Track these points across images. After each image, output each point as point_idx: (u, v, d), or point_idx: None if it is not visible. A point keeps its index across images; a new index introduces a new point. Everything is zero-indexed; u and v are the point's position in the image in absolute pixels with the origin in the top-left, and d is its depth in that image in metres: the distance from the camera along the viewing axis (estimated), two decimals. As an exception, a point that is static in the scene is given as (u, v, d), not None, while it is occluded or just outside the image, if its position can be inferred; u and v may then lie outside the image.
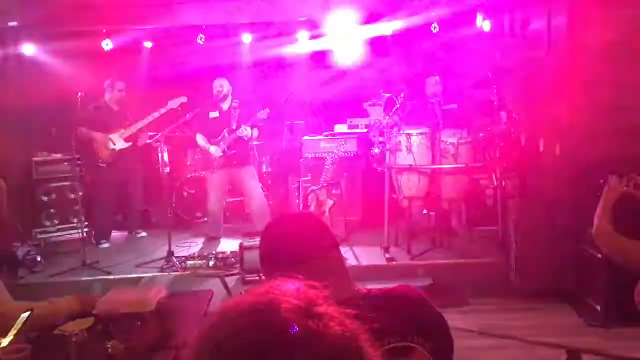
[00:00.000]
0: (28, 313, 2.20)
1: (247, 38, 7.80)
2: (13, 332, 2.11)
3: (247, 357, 0.66)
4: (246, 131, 6.23)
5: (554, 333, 4.39)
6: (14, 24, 5.98)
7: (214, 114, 6.39)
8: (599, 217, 2.65)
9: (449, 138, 5.62)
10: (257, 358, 0.65)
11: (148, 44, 7.90)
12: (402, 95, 5.79)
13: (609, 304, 4.32)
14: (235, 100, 6.44)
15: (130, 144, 6.45)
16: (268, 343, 0.66)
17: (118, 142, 6.38)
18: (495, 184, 5.89)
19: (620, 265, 2.57)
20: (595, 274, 4.53)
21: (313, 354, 0.66)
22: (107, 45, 7.58)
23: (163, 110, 6.33)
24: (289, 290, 0.76)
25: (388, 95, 6.36)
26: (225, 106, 6.41)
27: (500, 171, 5.73)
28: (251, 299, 0.74)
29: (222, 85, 6.32)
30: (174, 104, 6.32)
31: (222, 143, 6.28)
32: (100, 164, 6.39)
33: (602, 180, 4.49)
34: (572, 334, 4.41)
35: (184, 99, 6.38)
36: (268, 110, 6.31)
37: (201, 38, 7.69)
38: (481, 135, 6.03)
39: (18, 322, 2.17)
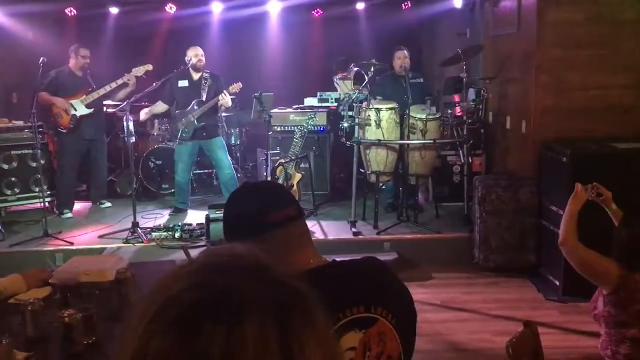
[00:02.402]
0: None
1: (217, 7, 7.67)
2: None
3: (185, 321, 0.63)
4: (226, 97, 6.11)
5: (513, 307, 4.50)
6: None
7: (182, 83, 6.26)
8: (564, 226, 2.70)
9: (418, 114, 5.63)
10: (196, 322, 0.63)
11: (114, 10, 7.71)
12: (371, 69, 5.75)
13: (567, 279, 4.43)
14: (206, 71, 6.31)
15: (92, 110, 6.29)
16: (209, 306, 0.64)
17: (79, 108, 6.22)
18: (462, 160, 5.95)
19: (582, 275, 2.64)
20: (555, 250, 4.61)
21: (257, 315, 0.64)
22: (71, 11, 7.37)
23: (126, 77, 6.18)
24: (238, 252, 0.73)
25: (357, 68, 6.32)
26: (195, 76, 6.28)
27: (467, 147, 5.78)
28: (196, 261, 0.72)
29: (203, 54, 6.19)
30: (138, 71, 6.17)
31: (191, 115, 6.17)
32: (60, 130, 6.24)
33: (564, 159, 4.60)
34: (531, 307, 4.52)
35: (149, 67, 6.23)
36: (240, 84, 6.20)
37: (170, 7, 7.53)
38: (449, 111, 6.06)
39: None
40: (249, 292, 0.65)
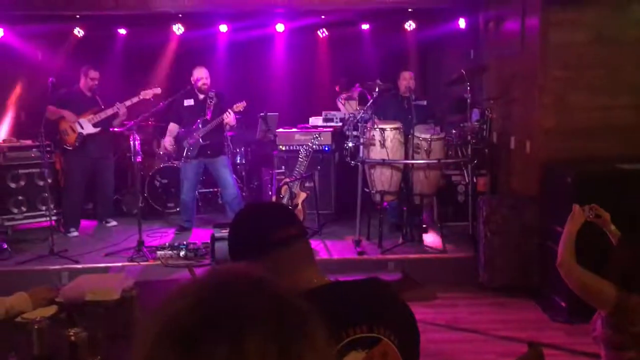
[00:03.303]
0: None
1: (223, 27, 7.77)
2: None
3: (187, 339, 0.65)
4: (230, 116, 6.16)
5: (519, 327, 4.48)
6: (-17, 5, 5.84)
7: (188, 102, 6.33)
8: (562, 247, 2.69)
9: (422, 133, 5.65)
10: (198, 341, 0.65)
11: (122, 31, 7.81)
12: (376, 89, 5.80)
13: (573, 300, 4.39)
14: (212, 91, 6.38)
15: (98, 129, 6.36)
16: (211, 324, 0.66)
17: (86, 126, 6.29)
18: (467, 180, 5.96)
19: (580, 297, 2.63)
20: (561, 270, 4.61)
21: (258, 334, 0.65)
22: (79, 32, 7.47)
23: (135, 100, 6.26)
24: (241, 271, 0.75)
25: (362, 89, 6.37)
26: (201, 95, 6.34)
27: (471, 167, 5.79)
28: (200, 280, 0.74)
29: (207, 77, 6.26)
30: (146, 94, 6.25)
31: (196, 133, 6.22)
32: (66, 147, 6.30)
33: (569, 179, 4.60)
34: (537, 328, 4.49)
35: (157, 90, 6.31)
36: (244, 103, 6.25)
37: (179, 28, 7.63)
38: (454, 131, 6.09)
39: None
40: (251, 311, 0.67)
